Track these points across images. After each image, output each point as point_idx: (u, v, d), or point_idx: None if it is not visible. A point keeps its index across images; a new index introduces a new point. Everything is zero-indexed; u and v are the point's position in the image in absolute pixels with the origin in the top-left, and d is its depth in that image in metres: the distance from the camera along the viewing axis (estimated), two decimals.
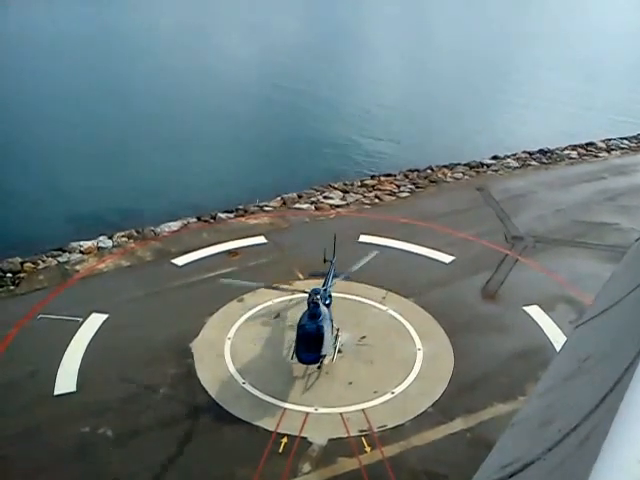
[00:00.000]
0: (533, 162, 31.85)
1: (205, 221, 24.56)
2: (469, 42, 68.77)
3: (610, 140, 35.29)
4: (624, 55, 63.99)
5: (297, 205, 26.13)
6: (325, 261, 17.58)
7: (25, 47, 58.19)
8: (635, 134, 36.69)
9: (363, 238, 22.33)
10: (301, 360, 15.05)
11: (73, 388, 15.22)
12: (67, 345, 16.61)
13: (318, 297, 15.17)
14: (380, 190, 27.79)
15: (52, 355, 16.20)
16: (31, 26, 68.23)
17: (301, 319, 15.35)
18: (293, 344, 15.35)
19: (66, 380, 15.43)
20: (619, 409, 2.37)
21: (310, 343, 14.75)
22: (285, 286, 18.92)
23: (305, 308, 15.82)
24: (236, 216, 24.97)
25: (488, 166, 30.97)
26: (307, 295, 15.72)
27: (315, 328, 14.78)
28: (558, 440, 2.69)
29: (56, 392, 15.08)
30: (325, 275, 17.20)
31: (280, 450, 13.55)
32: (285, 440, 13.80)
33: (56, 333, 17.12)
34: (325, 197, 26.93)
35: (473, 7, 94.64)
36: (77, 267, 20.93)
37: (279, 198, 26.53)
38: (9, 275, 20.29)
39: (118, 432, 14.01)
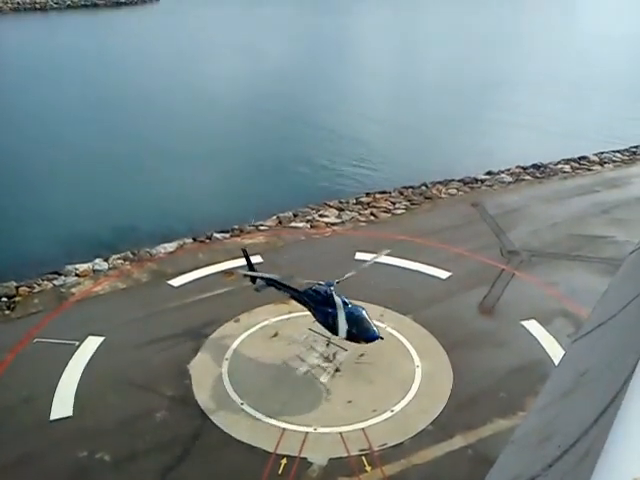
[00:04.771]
0: (527, 177, 32.03)
1: (201, 241, 24.54)
2: (463, 58, 69.38)
3: (602, 153, 35.50)
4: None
5: (293, 224, 26.15)
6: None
7: (15, 67, 58.53)
8: (627, 147, 36.93)
9: (359, 255, 22.32)
10: (370, 339, 15.59)
11: (69, 413, 15.09)
12: (63, 369, 16.52)
13: (332, 288, 16.06)
14: (375, 207, 27.88)
15: (48, 379, 16.08)
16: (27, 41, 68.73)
17: (338, 308, 15.42)
18: (343, 328, 15.41)
19: (62, 405, 15.30)
20: (618, 424, 2.36)
21: (369, 321, 15.70)
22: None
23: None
24: (232, 236, 24.95)
25: (482, 181, 31.12)
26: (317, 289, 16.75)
27: (360, 308, 15.95)
28: (558, 456, 2.68)
29: (52, 417, 14.94)
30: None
31: (280, 471, 13.43)
32: (285, 461, 13.69)
33: (52, 357, 17.01)
34: (321, 215, 26.97)
35: (466, 22, 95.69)
36: (73, 290, 20.86)
37: (275, 217, 26.57)
38: (4, 299, 20.20)
39: (116, 456, 13.87)
